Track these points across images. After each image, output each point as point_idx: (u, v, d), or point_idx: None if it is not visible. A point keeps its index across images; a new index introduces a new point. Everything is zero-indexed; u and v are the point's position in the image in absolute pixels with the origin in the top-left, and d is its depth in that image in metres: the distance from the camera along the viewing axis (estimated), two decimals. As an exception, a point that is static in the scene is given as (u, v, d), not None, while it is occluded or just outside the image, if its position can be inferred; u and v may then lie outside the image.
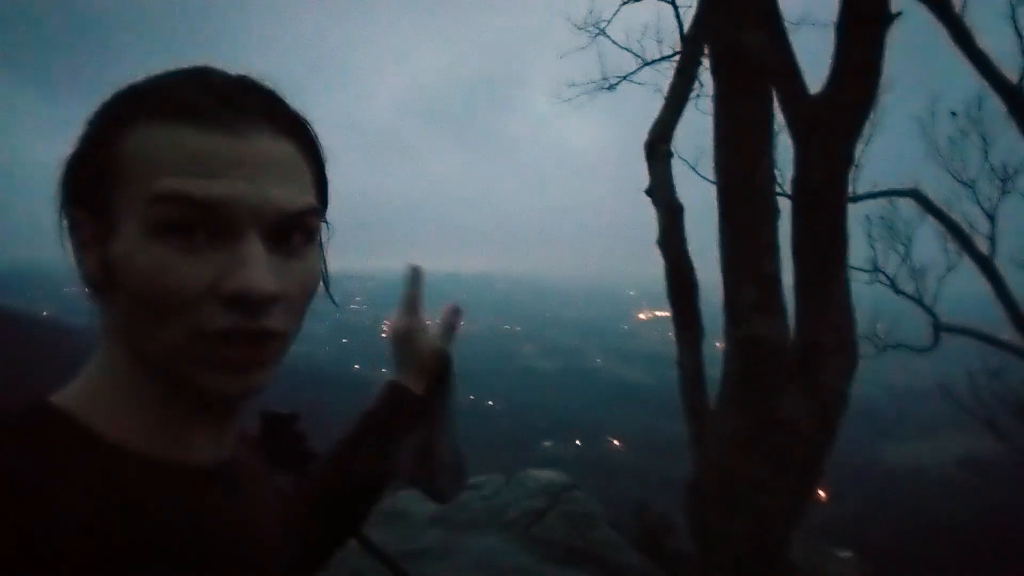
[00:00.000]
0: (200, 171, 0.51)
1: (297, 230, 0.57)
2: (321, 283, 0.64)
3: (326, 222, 0.65)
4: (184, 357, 0.53)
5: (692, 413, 4.52)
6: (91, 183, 0.55)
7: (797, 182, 3.72)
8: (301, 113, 0.60)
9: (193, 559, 0.54)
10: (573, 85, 8.24)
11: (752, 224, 3.70)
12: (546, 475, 5.11)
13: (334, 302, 0.68)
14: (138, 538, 0.51)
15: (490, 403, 70.81)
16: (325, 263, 0.66)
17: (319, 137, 0.61)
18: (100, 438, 0.54)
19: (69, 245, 0.58)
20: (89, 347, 0.59)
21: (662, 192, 5.24)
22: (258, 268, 0.52)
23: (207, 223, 0.52)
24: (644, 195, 5.58)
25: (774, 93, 3.77)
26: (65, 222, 0.58)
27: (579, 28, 7.54)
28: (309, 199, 0.58)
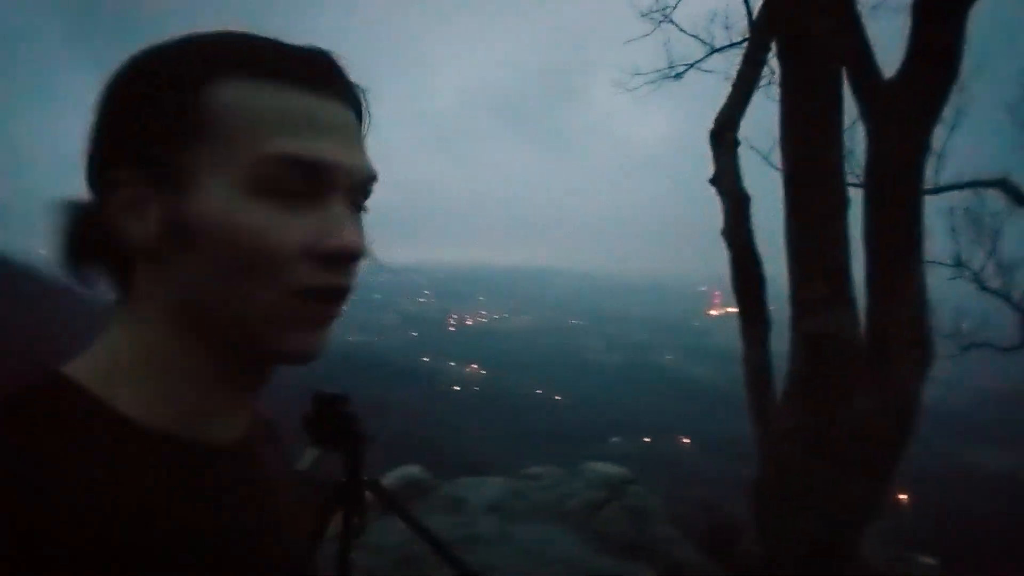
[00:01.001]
0: (304, 133, 0.53)
1: (364, 195, 0.59)
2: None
3: None
4: (276, 315, 0.53)
5: (757, 410, 4.41)
6: (151, 139, 0.53)
7: (869, 170, 3.58)
8: (357, 83, 0.61)
9: (208, 537, 0.53)
10: (638, 74, 8.08)
11: (821, 214, 3.57)
12: (606, 468, 5.07)
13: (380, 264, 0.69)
14: (151, 514, 0.50)
15: (557, 397, 70.70)
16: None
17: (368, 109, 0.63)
18: (114, 412, 0.52)
19: (103, 209, 0.55)
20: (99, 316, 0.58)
21: (727, 181, 5.10)
22: (352, 228, 0.55)
23: (307, 184, 0.53)
24: (713, 187, 5.47)
25: (845, 78, 3.63)
26: (96, 185, 0.56)
27: (644, 15, 7.38)
28: (373, 167, 0.59)
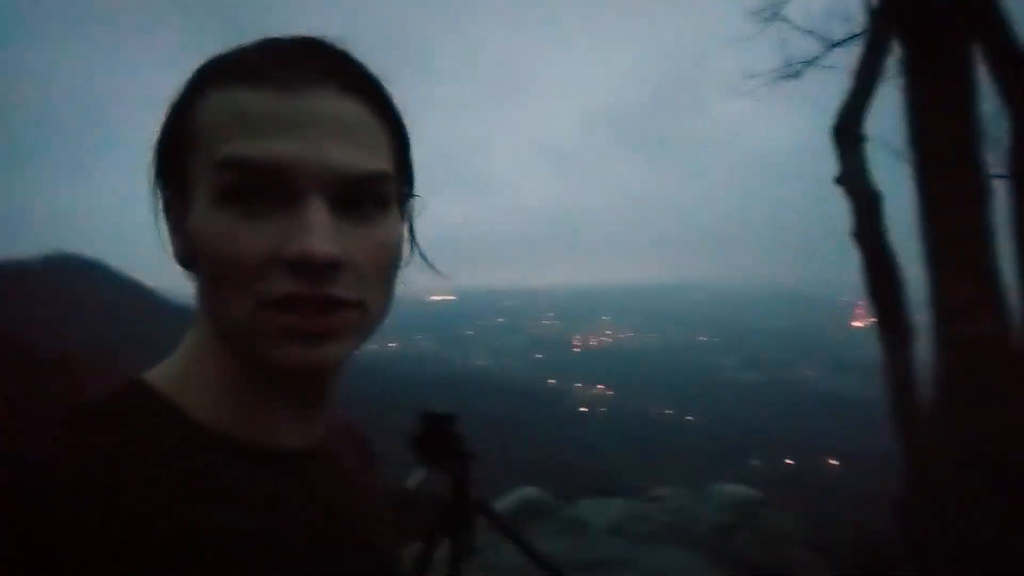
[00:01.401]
0: (257, 133, 0.50)
1: (368, 196, 0.54)
2: (410, 253, 0.63)
3: (410, 192, 0.64)
4: (253, 327, 0.51)
5: (901, 424, 4.03)
6: (173, 159, 0.56)
7: (1014, 155, 3.21)
8: (373, 72, 0.57)
9: (277, 541, 0.54)
10: (752, 76, 7.77)
11: (960, 207, 3.26)
12: (737, 490, 4.81)
13: (430, 266, 0.66)
14: (218, 518, 0.51)
15: (689, 418, 68.53)
16: (414, 234, 0.64)
17: (394, 98, 0.58)
18: (188, 417, 0.54)
19: (164, 227, 0.58)
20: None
21: (855, 179, 4.76)
22: (317, 231, 0.49)
23: (269, 187, 0.50)
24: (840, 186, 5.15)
25: (980, 56, 3.30)
26: (160, 204, 0.58)
27: (754, 14, 7.10)
28: (378, 163, 0.54)
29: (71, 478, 0.46)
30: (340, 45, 0.56)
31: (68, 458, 0.47)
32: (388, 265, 0.56)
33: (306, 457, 0.60)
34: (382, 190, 0.55)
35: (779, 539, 4.21)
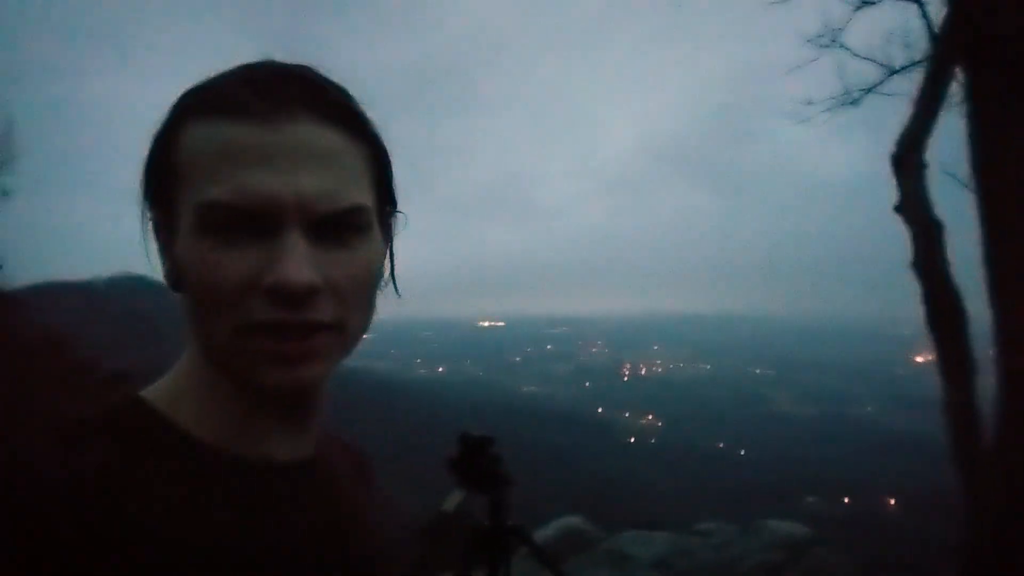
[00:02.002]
0: (234, 168, 0.51)
1: (346, 224, 0.55)
2: (386, 273, 0.64)
3: (393, 210, 0.65)
4: (235, 351, 0.53)
5: (963, 464, 3.84)
6: (158, 184, 0.57)
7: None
8: (352, 101, 0.58)
9: (271, 551, 0.55)
10: (810, 104, 7.62)
11: (1027, 236, 3.11)
12: (785, 526, 4.63)
13: (397, 293, 0.65)
14: (210, 528, 0.52)
15: (741, 452, 66.69)
16: (392, 254, 0.65)
17: (374, 125, 0.59)
18: (181, 431, 0.56)
19: (154, 246, 0.59)
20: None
21: (915, 208, 4.61)
22: (293, 260, 0.50)
23: (247, 219, 0.52)
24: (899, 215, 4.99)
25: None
26: (150, 225, 0.59)
27: (810, 41, 6.99)
28: (355, 195, 0.55)
29: (65, 491, 0.47)
30: (317, 72, 0.57)
31: (62, 471, 0.48)
32: (367, 285, 0.58)
33: (296, 469, 0.61)
34: (359, 219, 0.56)
35: (831, 580, 4.03)
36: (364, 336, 0.60)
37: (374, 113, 0.59)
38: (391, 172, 0.62)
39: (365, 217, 0.56)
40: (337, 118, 0.55)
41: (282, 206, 0.51)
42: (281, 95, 0.53)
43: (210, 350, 0.56)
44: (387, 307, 0.62)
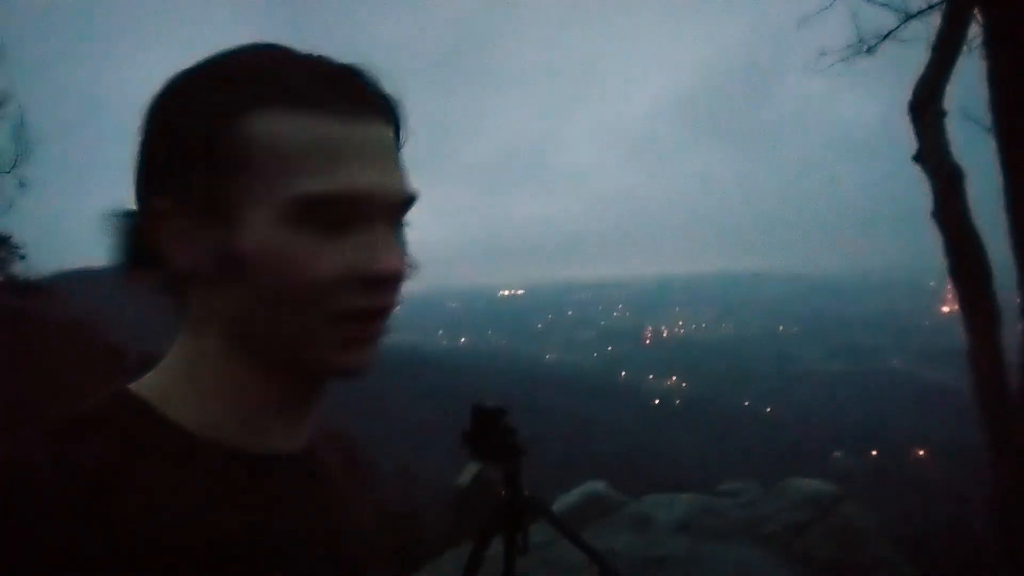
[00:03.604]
0: (331, 163, 0.52)
1: (403, 215, 0.59)
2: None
3: None
4: (316, 339, 0.54)
5: (990, 413, 3.79)
6: (192, 171, 0.53)
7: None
8: (394, 97, 0.60)
9: (261, 541, 0.55)
10: (825, 55, 7.41)
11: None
12: (812, 484, 4.60)
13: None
14: (216, 523, 0.52)
15: (768, 410, 66.67)
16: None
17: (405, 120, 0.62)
18: (176, 426, 0.54)
19: (144, 235, 0.55)
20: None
21: (934, 156, 4.49)
22: (389, 251, 0.55)
23: (343, 212, 0.53)
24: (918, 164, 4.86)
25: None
26: (143, 212, 0.56)
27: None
28: (410, 187, 0.59)
29: (54, 488, 0.46)
30: (369, 70, 0.58)
31: (51, 469, 0.48)
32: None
33: (294, 460, 0.61)
34: (409, 209, 0.60)
35: (858, 536, 4.00)
36: None
37: (392, 84, 0.61)
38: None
39: (413, 206, 0.60)
40: (391, 116, 0.59)
41: (376, 199, 0.54)
42: (352, 91, 0.55)
43: (279, 340, 0.55)
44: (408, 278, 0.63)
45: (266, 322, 0.54)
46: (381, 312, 0.56)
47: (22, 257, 11.00)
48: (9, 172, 11.08)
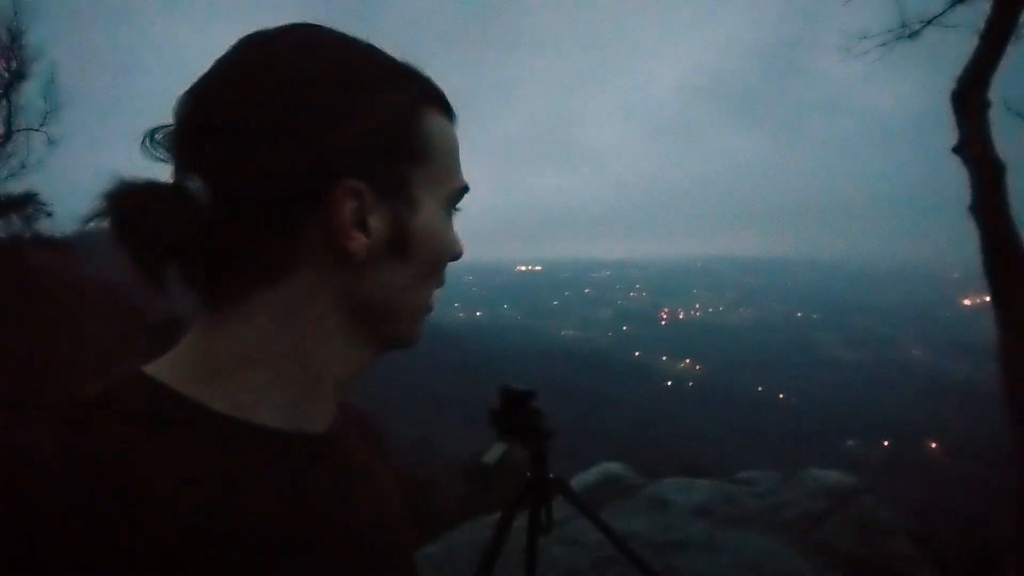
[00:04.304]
0: (460, 162, 0.64)
1: None
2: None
3: None
4: (427, 307, 0.63)
5: (1018, 408, 3.73)
6: (381, 155, 0.56)
7: None
8: None
9: (305, 526, 0.53)
10: (865, 38, 7.21)
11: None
12: (831, 476, 4.57)
13: None
14: (248, 506, 0.49)
15: (781, 396, 66.50)
16: None
17: None
18: (201, 406, 0.52)
19: (333, 210, 0.54)
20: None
21: (976, 148, 4.38)
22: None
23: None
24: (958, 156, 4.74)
25: None
26: (317, 192, 0.54)
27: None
28: None
29: (63, 482, 0.43)
30: None
31: (60, 460, 0.44)
32: None
33: (323, 440, 0.59)
34: None
35: (876, 528, 3.98)
36: None
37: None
38: None
39: None
40: None
41: None
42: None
43: (405, 312, 0.61)
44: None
45: (406, 297, 0.60)
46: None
47: (49, 214, 11.10)
48: (38, 129, 11.19)
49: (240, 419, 0.52)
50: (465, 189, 0.64)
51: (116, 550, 0.42)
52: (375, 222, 0.55)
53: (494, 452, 2.33)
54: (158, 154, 0.54)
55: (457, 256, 0.64)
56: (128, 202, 0.50)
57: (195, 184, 0.51)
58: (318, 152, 0.53)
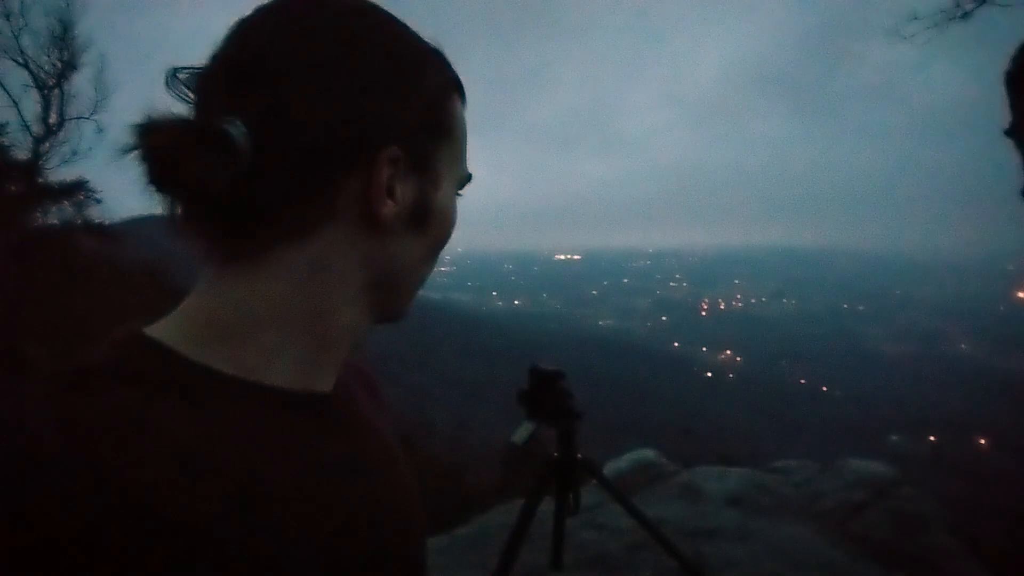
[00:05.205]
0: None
1: None
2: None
3: None
4: (425, 280, 0.66)
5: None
6: (420, 129, 0.58)
7: None
8: None
9: (314, 483, 0.52)
10: (915, 19, 6.97)
11: None
12: (869, 466, 4.46)
13: None
14: (258, 464, 0.49)
15: (824, 388, 65.19)
16: None
17: None
18: (205, 367, 0.50)
19: (375, 175, 0.55)
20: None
21: (1029, 131, 4.21)
22: None
23: None
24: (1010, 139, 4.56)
25: None
26: (356, 156, 0.54)
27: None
28: None
29: (63, 445, 0.41)
30: None
31: (60, 423, 0.42)
32: None
33: (331, 398, 0.59)
34: None
35: (916, 521, 3.89)
36: None
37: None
38: None
39: None
40: None
41: None
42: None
43: (411, 285, 0.64)
44: (463, 239, 0.65)
45: (415, 270, 0.63)
46: None
47: (98, 201, 11.45)
48: (89, 118, 11.51)
49: (248, 380, 0.51)
50: (470, 177, 0.67)
51: (111, 518, 0.40)
52: (403, 192, 0.56)
53: (522, 432, 2.34)
54: (180, 94, 0.53)
55: (453, 230, 0.66)
56: (167, 142, 0.46)
57: (236, 128, 0.48)
58: (373, 116, 0.54)
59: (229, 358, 0.51)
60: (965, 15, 6.65)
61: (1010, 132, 3.46)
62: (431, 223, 0.61)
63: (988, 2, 6.41)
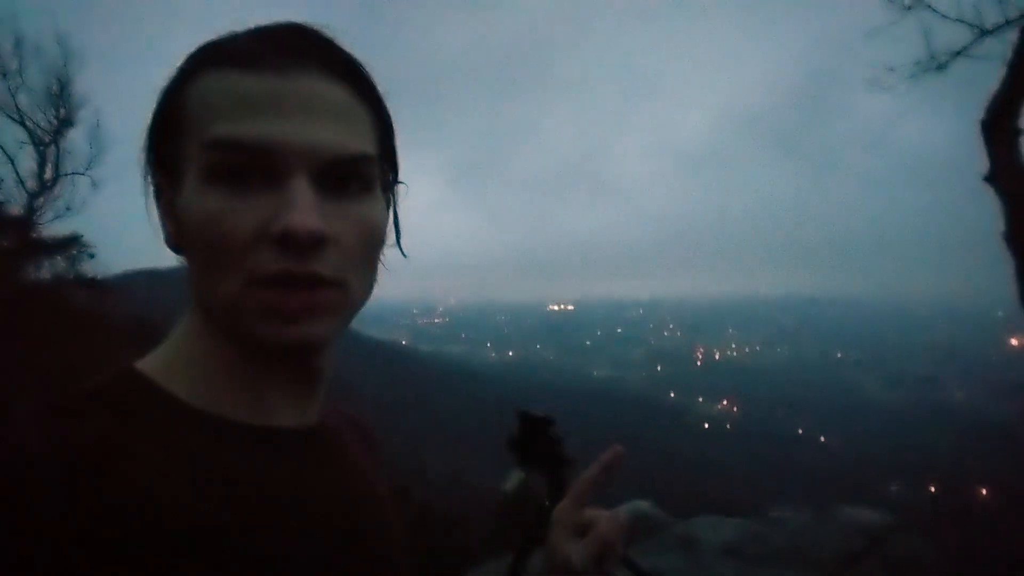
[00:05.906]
0: (247, 113, 0.51)
1: (353, 177, 0.55)
2: (389, 235, 0.63)
3: (395, 178, 0.65)
4: (240, 305, 0.52)
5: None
6: (162, 142, 0.56)
7: None
8: (356, 58, 0.58)
9: (277, 518, 0.54)
10: (892, 70, 7.17)
11: None
12: (864, 514, 4.44)
13: (403, 254, 0.65)
14: (213, 498, 0.50)
15: (821, 439, 64.60)
16: (396, 217, 0.65)
17: (377, 83, 0.60)
18: (179, 401, 0.54)
19: (155, 212, 0.59)
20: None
21: (1007, 177, 4.32)
22: (301, 207, 0.50)
23: (257, 166, 0.52)
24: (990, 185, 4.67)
25: None
26: (152, 190, 0.59)
27: (894, 1, 6.57)
28: (361, 145, 0.56)
29: (56, 467, 0.45)
30: (326, 32, 0.57)
31: (53, 446, 0.46)
32: (371, 245, 0.57)
33: (302, 436, 0.60)
34: (366, 171, 0.56)
35: (913, 570, 3.84)
36: (365, 302, 0.59)
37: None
38: (394, 139, 0.63)
39: (370, 168, 0.57)
40: (346, 75, 0.57)
41: (291, 152, 0.52)
42: (292, 47, 0.54)
43: (216, 308, 0.54)
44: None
45: (203, 290, 0.54)
46: (304, 279, 0.52)
47: (91, 256, 11.48)
48: (83, 173, 11.61)
49: (213, 413, 0.55)
50: (224, 141, 0.51)
51: (94, 535, 0.43)
52: (170, 215, 0.57)
53: (512, 480, 2.31)
54: None
55: (230, 236, 0.51)
56: None
57: None
58: (143, 156, 0.58)
59: (188, 388, 0.56)
60: (940, 67, 6.85)
61: (989, 178, 3.55)
62: (185, 233, 0.54)
63: (962, 55, 6.62)
